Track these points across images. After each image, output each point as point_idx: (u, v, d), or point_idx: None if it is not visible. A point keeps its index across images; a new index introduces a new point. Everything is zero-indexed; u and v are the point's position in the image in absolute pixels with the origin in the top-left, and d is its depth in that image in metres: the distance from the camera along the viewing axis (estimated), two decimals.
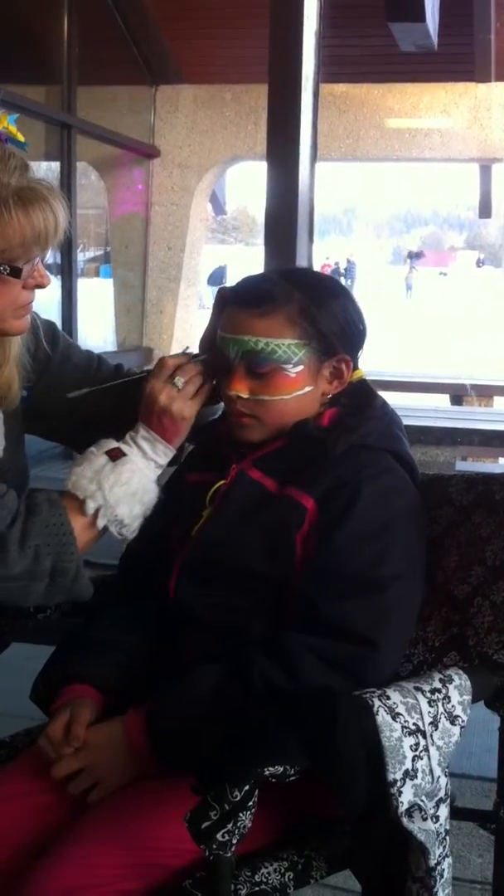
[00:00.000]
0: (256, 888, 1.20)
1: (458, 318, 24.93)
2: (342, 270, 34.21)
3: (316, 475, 1.34)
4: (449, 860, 1.22)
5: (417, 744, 1.15)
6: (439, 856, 1.19)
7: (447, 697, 1.21)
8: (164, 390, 1.37)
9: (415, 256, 44.27)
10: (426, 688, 1.20)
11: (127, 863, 1.18)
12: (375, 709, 1.13)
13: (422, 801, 1.17)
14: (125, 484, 1.33)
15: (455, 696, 1.21)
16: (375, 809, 1.13)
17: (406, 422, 1.45)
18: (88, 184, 9.04)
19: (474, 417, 7.20)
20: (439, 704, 1.19)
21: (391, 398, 1.49)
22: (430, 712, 1.18)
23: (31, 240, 1.24)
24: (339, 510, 1.30)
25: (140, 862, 1.18)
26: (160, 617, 1.42)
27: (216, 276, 24.46)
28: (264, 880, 1.21)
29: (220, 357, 1.38)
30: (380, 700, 1.14)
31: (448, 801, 1.22)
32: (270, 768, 1.08)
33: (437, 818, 1.19)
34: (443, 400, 8.77)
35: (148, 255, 8.64)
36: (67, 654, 1.42)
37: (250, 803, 1.06)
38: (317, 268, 3.06)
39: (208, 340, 1.42)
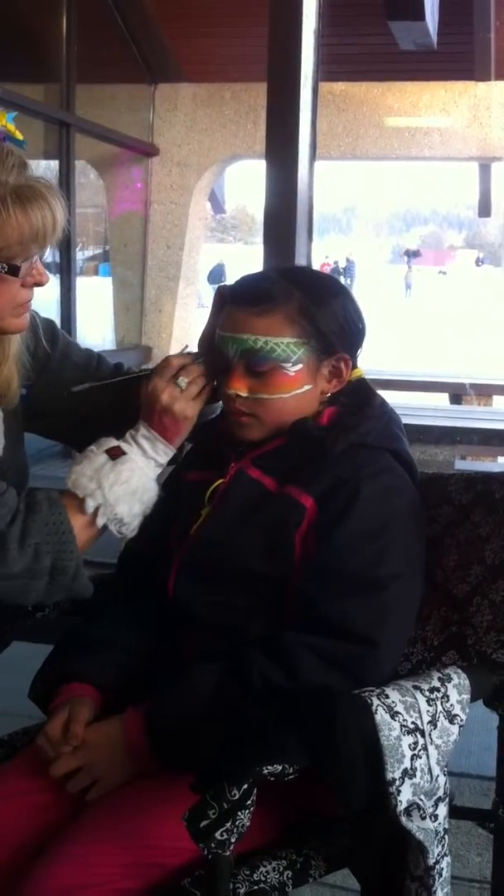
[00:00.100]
0: (255, 887, 1.20)
1: (457, 317, 24.94)
2: (341, 269, 34.21)
3: (315, 474, 1.34)
4: (448, 859, 1.22)
5: (416, 743, 1.15)
6: (438, 854, 1.19)
7: (446, 696, 1.21)
8: (167, 389, 1.37)
9: (412, 255, 44.28)
10: (425, 687, 1.20)
11: (125, 861, 1.18)
12: (374, 708, 1.13)
13: (420, 799, 1.17)
14: (125, 482, 1.33)
15: (454, 695, 1.21)
16: (374, 808, 1.13)
17: (405, 421, 1.45)
18: (87, 182, 9.03)
19: (473, 416, 7.21)
20: (438, 703, 1.19)
21: (390, 397, 1.49)
22: (428, 711, 1.17)
23: (30, 238, 1.24)
24: (339, 509, 1.30)
25: (139, 861, 1.18)
26: (159, 616, 1.42)
27: (215, 274, 24.45)
28: (263, 879, 1.21)
29: (218, 356, 1.38)
30: (378, 699, 1.14)
31: (447, 799, 1.22)
32: (269, 767, 1.08)
33: (436, 817, 1.19)
34: (442, 399, 8.78)
35: (147, 253, 8.64)
36: (66, 652, 1.42)
37: (249, 802, 1.06)
38: (316, 266, 3.05)
39: (207, 339, 1.42)
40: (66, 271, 7.12)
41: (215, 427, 1.45)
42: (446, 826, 1.22)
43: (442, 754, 1.18)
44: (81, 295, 7.48)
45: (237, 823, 1.05)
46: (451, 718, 1.20)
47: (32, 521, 1.28)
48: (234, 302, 1.37)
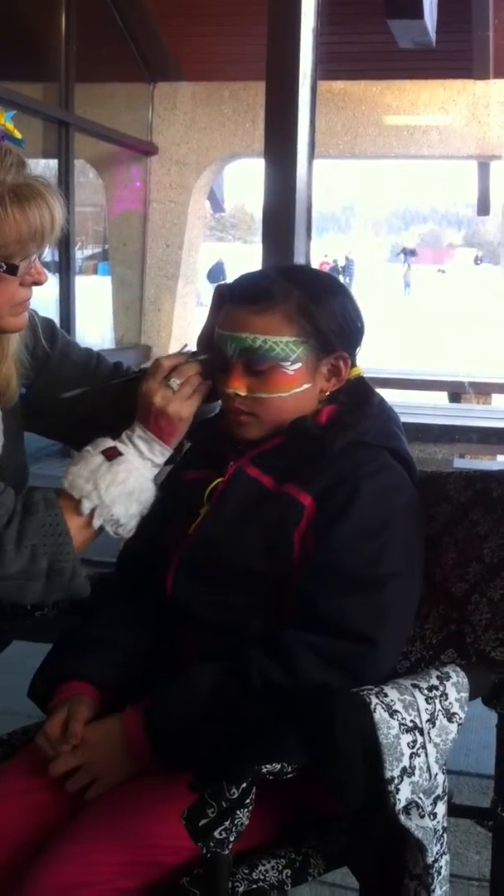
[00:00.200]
0: (254, 885, 1.20)
1: (456, 316, 24.92)
2: (340, 268, 34.22)
3: (314, 472, 1.34)
4: (446, 857, 1.22)
5: (415, 741, 1.15)
6: (437, 853, 1.19)
7: (444, 695, 1.21)
8: (160, 392, 1.37)
9: (408, 254, 44.30)
10: (424, 685, 1.20)
11: (125, 860, 1.18)
12: (373, 706, 1.13)
13: (419, 798, 1.17)
14: (121, 484, 1.33)
15: (452, 694, 1.21)
16: (373, 807, 1.13)
17: (404, 419, 1.45)
18: (86, 181, 9.03)
19: (472, 415, 7.21)
20: (437, 702, 1.19)
21: (389, 395, 1.49)
22: (427, 709, 1.18)
23: (28, 237, 1.24)
24: (338, 507, 1.30)
25: (138, 859, 1.18)
26: (158, 615, 1.42)
27: (215, 272, 24.43)
28: (262, 878, 1.21)
29: (217, 354, 1.38)
30: (377, 697, 1.14)
31: (445, 798, 1.22)
32: (268, 766, 1.08)
33: (435, 815, 1.19)
34: (441, 397, 8.78)
35: (146, 252, 8.63)
36: (65, 651, 1.42)
37: (248, 801, 1.06)
38: (315, 265, 3.06)
39: (206, 338, 1.42)
40: (65, 270, 7.12)
41: (214, 426, 1.45)
42: (445, 824, 1.22)
43: (441, 752, 1.18)
44: (80, 294, 7.48)
45: (236, 822, 1.06)
46: (450, 717, 1.20)
47: (29, 522, 1.28)
48: (233, 301, 1.37)
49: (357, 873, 1.31)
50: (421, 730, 1.16)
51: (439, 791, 1.20)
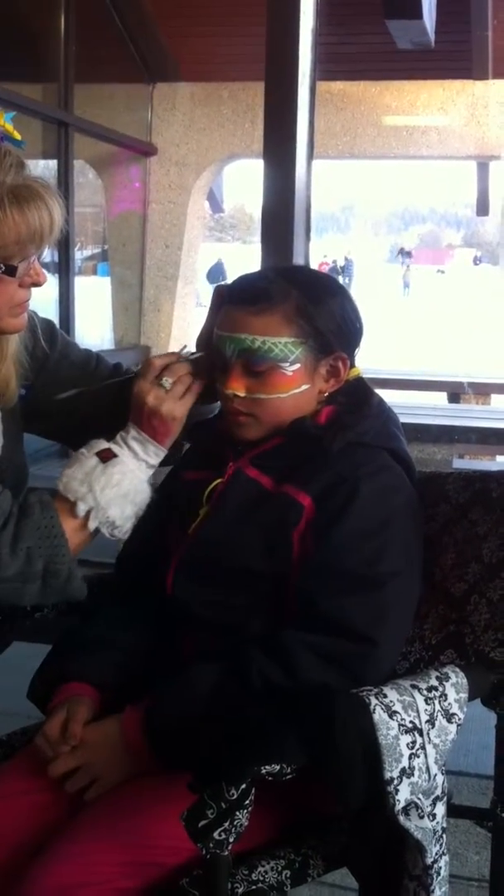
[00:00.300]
0: (253, 886, 1.20)
1: (455, 316, 24.93)
2: (340, 268, 34.23)
3: (313, 473, 1.34)
4: (446, 858, 1.22)
5: (414, 742, 1.15)
6: (436, 853, 1.19)
7: (444, 695, 1.21)
8: (152, 391, 1.37)
9: (405, 255, 44.35)
10: (423, 686, 1.20)
11: (124, 860, 1.18)
12: (372, 707, 1.13)
13: (419, 799, 1.17)
14: (116, 485, 1.33)
15: (452, 694, 1.21)
16: (372, 807, 1.13)
17: (403, 420, 1.45)
18: (86, 182, 9.03)
19: (471, 415, 7.22)
20: (436, 702, 1.19)
21: (388, 396, 1.49)
22: (426, 710, 1.18)
23: (27, 238, 1.24)
24: (337, 507, 1.30)
25: (137, 860, 1.18)
26: (158, 615, 1.42)
27: (215, 272, 24.42)
28: (261, 878, 1.21)
29: (216, 355, 1.38)
30: (377, 698, 1.14)
31: (445, 798, 1.22)
32: (267, 767, 1.08)
33: (434, 816, 1.19)
34: (440, 398, 8.78)
35: (145, 253, 8.64)
36: (64, 652, 1.42)
37: (247, 802, 1.06)
38: (314, 266, 3.06)
39: (205, 338, 1.42)
40: (64, 271, 7.12)
41: (213, 426, 1.45)
42: (444, 825, 1.22)
43: (440, 753, 1.18)
44: (80, 294, 7.48)
45: (235, 823, 1.05)
46: (449, 717, 1.20)
47: (24, 524, 1.28)
48: (232, 301, 1.37)
49: (356, 874, 1.31)
50: (420, 730, 1.16)
51: (438, 792, 1.20)
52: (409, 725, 1.15)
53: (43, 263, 1.33)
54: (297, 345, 1.34)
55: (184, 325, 8.74)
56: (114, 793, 1.26)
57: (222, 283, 1.48)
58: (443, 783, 1.21)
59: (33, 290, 1.33)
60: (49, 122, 7.02)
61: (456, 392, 8.62)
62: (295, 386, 1.35)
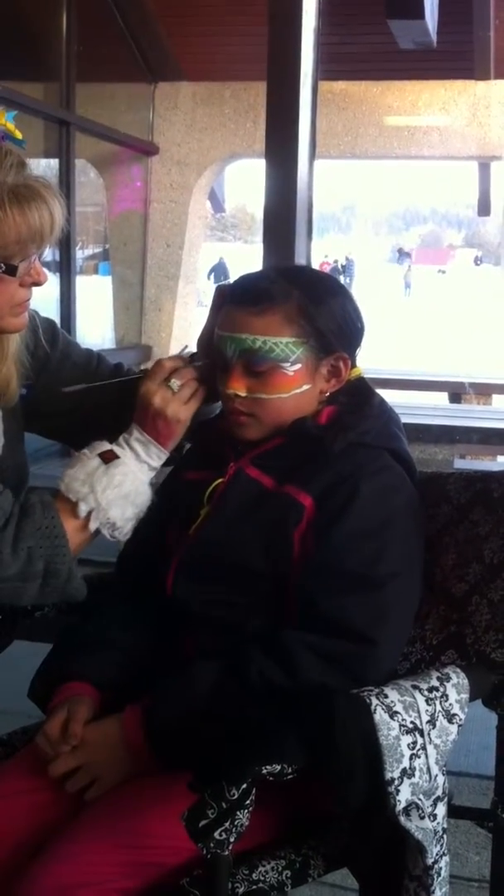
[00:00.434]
0: (254, 886, 1.20)
1: (456, 316, 24.93)
2: (341, 268, 34.23)
3: (314, 473, 1.33)
4: (446, 858, 1.22)
5: (415, 742, 1.15)
6: (437, 854, 1.19)
7: (445, 696, 1.21)
8: (159, 392, 1.37)
9: (404, 255, 44.36)
10: (424, 686, 1.20)
11: (124, 860, 1.18)
12: (373, 707, 1.13)
13: (419, 799, 1.17)
14: (117, 487, 1.33)
15: (453, 695, 1.21)
16: (373, 808, 1.13)
17: (404, 420, 1.45)
18: (87, 181, 9.02)
19: (472, 416, 7.21)
20: (437, 703, 1.19)
21: (389, 396, 1.49)
22: (427, 711, 1.17)
23: (27, 237, 1.24)
24: (338, 507, 1.30)
25: (137, 860, 1.18)
26: (158, 615, 1.42)
27: (218, 271, 24.41)
28: (262, 878, 1.21)
29: (217, 355, 1.37)
30: (377, 699, 1.14)
31: (445, 799, 1.22)
32: (268, 767, 1.08)
33: (435, 816, 1.19)
34: (441, 398, 8.77)
35: (147, 252, 8.63)
36: (65, 652, 1.42)
37: (248, 802, 1.06)
38: (316, 265, 3.05)
39: (207, 338, 1.42)
40: (65, 270, 7.11)
41: (214, 426, 1.45)
42: (445, 825, 1.22)
43: (441, 754, 1.18)
44: (81, 294, 7.48)
45: (236, 823, 1.05)
46: (450, 718, 1.20)
47: (25, 524, 1.28)
48: (233, 301, 1.37)
49: (357, 874, 1.31)
50: (421, 731, 1.16)
51: (439, 792, 1.20)
52: (410, 726, 1.15)
53: (44, 262, 1.33)
54: (298, 345, 1.34)
55: (185, 324, 8.74)
56: (114, 793, 1.26)
57: (223, 282, 1.48)
58: (443, 784, 1.21)
59: (34, 289, 1.33)
60: (50, 122, 7.02)
61: (457, 392, 8.61)
62: (296, 386, 1.35)
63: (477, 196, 10.69)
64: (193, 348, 1.45)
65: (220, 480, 1.39)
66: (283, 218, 2.74)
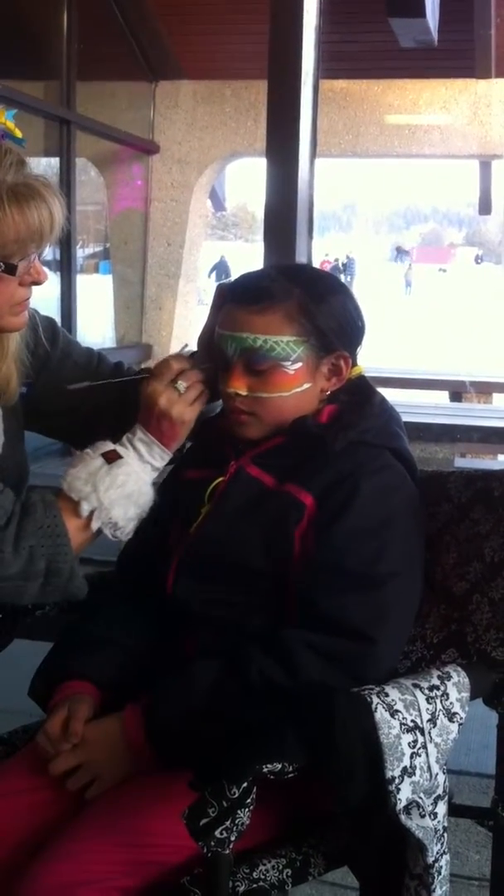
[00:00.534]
0: (254, 885, 1.20)
1: (457, 315, 24.92)
2: (342, 267, 34.21)
3: (315, 471, 1.33)
4: (447, 857, 1.22)
5: (416, 741, 1.15)
6: (437, 852, 1.19)
7: (445, 694, 1.21)
8: (165, 393, 1.37)
9: (403, 253, 44.36)
10: (424, 685, 1.20)
11: (124, 859, 1.18)
12: (374, 706, 1.13)
13: (420, 798, 1.17)
14: (120, 487, 1.33)
15: (453, 693, 1.21)
16: (373, 806, 1.13)
17: (405, 418, 1.45)
18: (88, 180, 9.02)
19: (473, 414, 7.21)
20: (438, 701, 1.19)
21: (390, 395, 1.49)
22: (428, 709, 1.18)
23: (27, 236, 1.24)
24: (338, 506, 1.30)
25: (137, 858, 1.18)
26: (159, 613, 1.42)
27: (220, 269, 24.39)
28: (262, 877, 1.21)
29: (218, 354, 1.37)
30: (378, 697, 1.14)
31: (446, 797, 1.22)
32: (269, 765, 1.08)
33: (435, 815, 1.19)
34: (442, 397, 8.77)
35: (147, 251, 8.63)
36: (65, 650, 1.42)
37: (248, 800, 1.06)
38: (316, 264, 3.05)
39: (207, 337, 1.42)
40: (66, 269, 7.11)
41: (215, 425, 1.45)
42: (445, 824, 1.22)
43: (441, 752, 1.18)
44: (81, 292, 7.47)
45: (237, 822, 1.05)
46: (451, 716, 1.20)
47: (27, 523, 1.28)
48: (234, 300, 1.37)
49: (357, 873, 1.31)
50: (422, 729, 1.16)
51: (440, 791, 1.20)
52: (411, 724, 1.15)
53: (44, 261, 1.33)
54: (298, 343, 1.33)
55: (185, 323, 8.74)
56: (115, 791, 1.26)
57: (224, 281, 1.48)
58: (444, 782, 1.21)
59: (34, 288, 1.33)
60: (51, 120, 7.01)
61: (458, 391, 8.61)
62: (297, 385, 1.35)
63: (478, 195, 10.68)
64: (194, 347, 1.45)
65: (220, 479, 1.39)
66: (283, 216, 2.74)
